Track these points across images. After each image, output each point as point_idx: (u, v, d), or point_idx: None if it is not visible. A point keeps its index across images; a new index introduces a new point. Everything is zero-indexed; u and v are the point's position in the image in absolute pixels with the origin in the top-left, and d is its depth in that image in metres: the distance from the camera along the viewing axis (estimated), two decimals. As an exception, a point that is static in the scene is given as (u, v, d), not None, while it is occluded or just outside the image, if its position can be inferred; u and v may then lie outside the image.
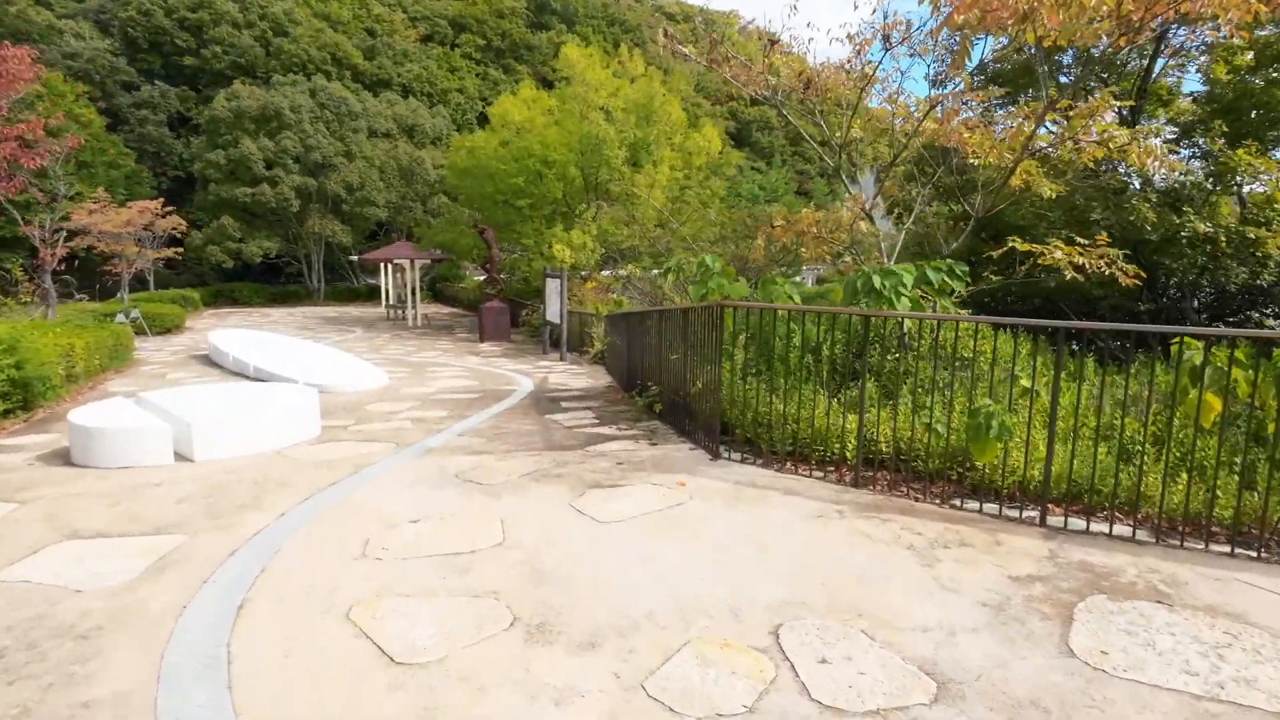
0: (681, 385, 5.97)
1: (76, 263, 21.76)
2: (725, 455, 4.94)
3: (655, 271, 23.79)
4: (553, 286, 15.48)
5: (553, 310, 15.47)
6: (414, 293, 23.51)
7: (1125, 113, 11.27)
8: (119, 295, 22.10)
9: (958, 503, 3.92)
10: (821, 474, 4.47)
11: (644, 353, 7.67)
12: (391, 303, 26.68)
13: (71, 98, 31.06)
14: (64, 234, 14.35)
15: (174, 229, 22.23)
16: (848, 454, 4.49)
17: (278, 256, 32.99)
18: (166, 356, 14.38)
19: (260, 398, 6.23)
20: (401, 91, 44.70)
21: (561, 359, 14.49)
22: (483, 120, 38.66)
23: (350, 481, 4.56)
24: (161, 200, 21.84)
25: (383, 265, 27.98)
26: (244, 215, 30.85)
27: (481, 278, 30.62)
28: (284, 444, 5.74)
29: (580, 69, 20.58)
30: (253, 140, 30.12)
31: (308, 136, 30.89)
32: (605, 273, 23.23)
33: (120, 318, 15.91)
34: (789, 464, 4.64)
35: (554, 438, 5.88)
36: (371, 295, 34.57)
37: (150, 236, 21.98)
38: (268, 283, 36.12)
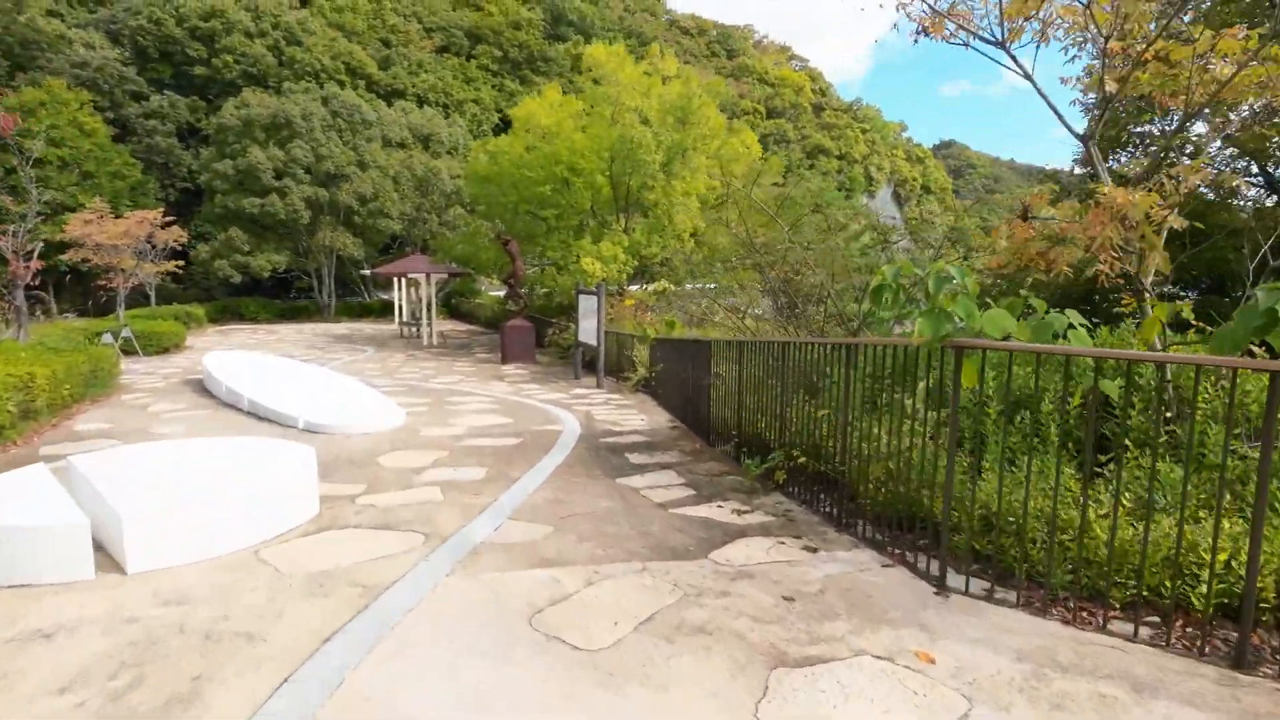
0: (831, 452, 4.21)
1: (68, 277, 20.35)
2: (948, 578, 3.14)
3: (692, 286, 22.09)
4: (587, 304, 13.76)
5: (587, 330, 13.73)
6: (429, 309, 21.88)
7: None
8: (116, 312, 20.60)
9: None
10: (1150, 631, 2.67)
11: (741, 395, 5.90)
12: (405, 319, 25.08)
13: (76, 106, 29.91)
14: (40, 244, 12.77)
15: (175, 241, 20.75)
16: (1193, 598, 2.70)
17: (287, 271, 31.52)
18: (157, 382, 12.74)
19: (238, 464, 4.49)
20: (417, 102, 43.47)
21: (599, 386, 12.74)
22: (500, 131, 37.31)
23: (358, 632, 2.79)
24: (162, 210, 20.38)
25: (396, 280, 26.45)
26: (252, 227, 29.43)
27: (501, 293, 29.05)
28: (265, 535, 3.99)
29: (610, 69, 19.02)
30: (262, 149, 28.75)
31: (319, 145, 29.50)
32: (634, 287, 21.55)
33: (107, 338, 14.32)
34: (1079, 609, 2.83)
35: (650, 527, 4.10)
36: (384, 311, 33.03)
37: (150, 249, 20.51)
38: (277, 298, 34.69)
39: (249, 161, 28.16)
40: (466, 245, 21.37)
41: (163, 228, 19.72)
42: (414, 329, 23.73)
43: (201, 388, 11.82)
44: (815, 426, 4.63)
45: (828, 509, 4.28)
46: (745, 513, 4.34)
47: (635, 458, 6.29)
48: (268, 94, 32.61)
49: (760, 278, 14.49)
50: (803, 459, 4.60)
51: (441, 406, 10.01)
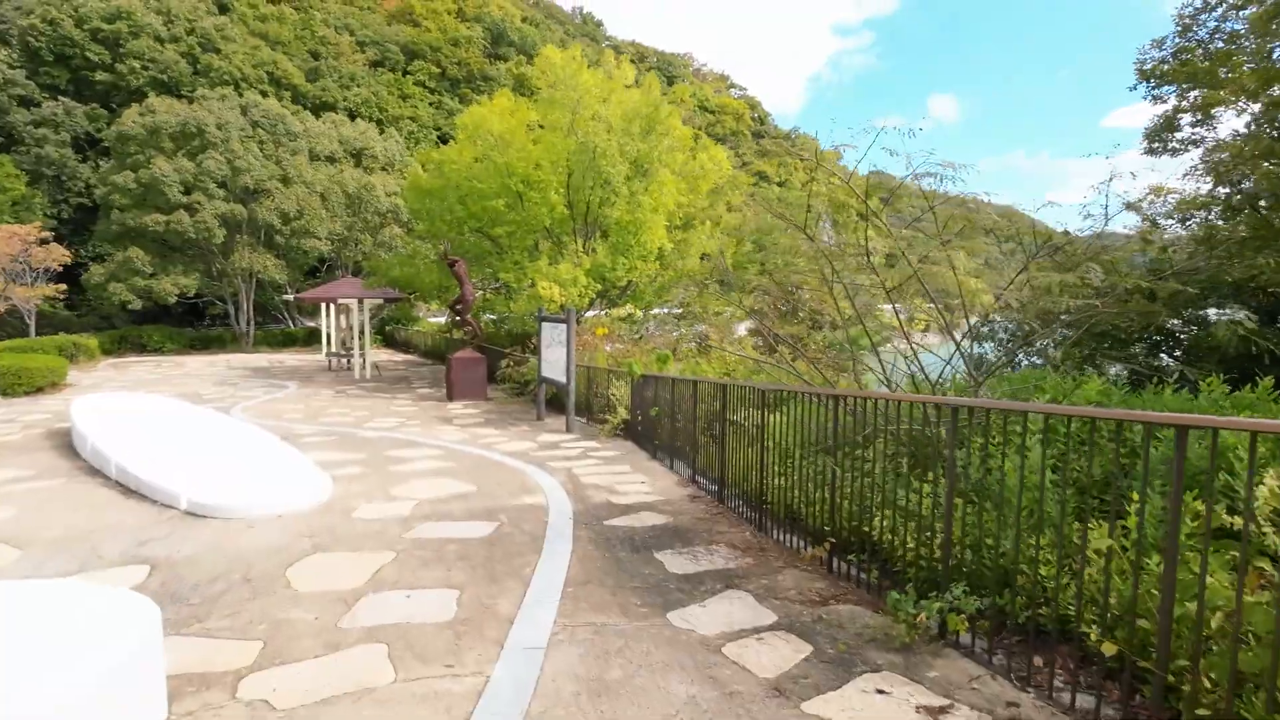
0: (1048, 593, 2.44)
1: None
2: None
3: (659, 310, 20.41)
4: (553, 333, 11.81)
5: (553, 364, 11.76)
6: (362, 338, 19.43)
7: None
8: (-21, 344, 17.38)
9: None
10: None
11: (836, 475, 4.07)
12: (334, 350, 22.43)
13: (-56, 109, 26.23)
14: None
15: (56, 261, 17.73)
16: None
17: (198, 295, 28.26)
18: (10, 434, 10.12)
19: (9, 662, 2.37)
20: (348, 115, 40.77)
21: (568, 430, 10.76)
22: (440, 145, 35.03)
23: None
24: (38, 225, 17.40)
25: (324, 306, 23.81)
26: (157, 247, 26.19)
27: (443, 319, 26.65)
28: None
29: (569, 72, 17.28)
30: (169, 160, 25.67)
31: (236, 157, 26.61)
32: (591, 313, 19.72)
33: (-54, 379, 11.49)
34: None
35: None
36: (310, 340, 30.05)
37: (25, 269, 17.44)
38: (188, 325, 31.24)
39: (153, 174, 25.03)
40: (405, 267, 19.05)
41: (40, 244, 16.75)
42: (344, 360, 21.16)
43: (67, 443, 9.31)
44: (1010, 544, 2.84)
45: (1074, 700, 2.48)
46: (941, 713, 2.49)
47: (672, 561, 4.37)
48: (179, 101, 29.51)
49: (748, 301, 12.87)
50: (991, 596, 2.81)
51: (380, 465, 7.86)
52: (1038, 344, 10.19)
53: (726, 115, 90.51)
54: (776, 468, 4.92)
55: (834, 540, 3.91)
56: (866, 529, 3.70)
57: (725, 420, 5.78)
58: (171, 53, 36.90)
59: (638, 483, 7.03)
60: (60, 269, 18.16)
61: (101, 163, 29.96)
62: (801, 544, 4.45)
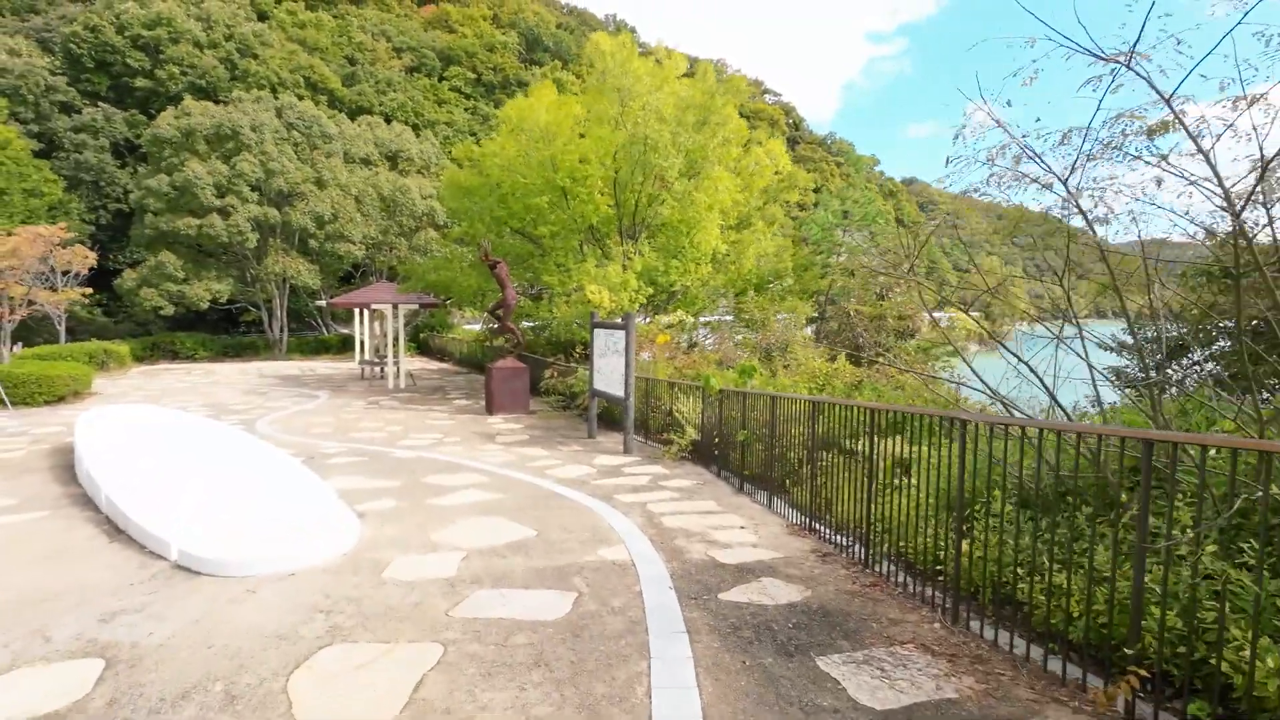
0: None
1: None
2: None
3: (708, 317, 19.01)
4: (609, 341, 10.47)
5: (608, 375, 10.40)
6: (396, 345, 18.35)
7: None
8: (6, 348, 16.65)
9: None
10: None
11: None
12: (367, 358, 21.43)
13: (-17, 113, 26.02)
14: None
15: (83, 264, 16.96)
16: None
17: (230, 301, 27.59)
18: (13, 451, 9.11)
19: None
20: (384, 120, 40.20)
21: (626, 450, 9.37)
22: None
23: None
24: (63, 226, 16.62)
25: (358, 312, 22.87)
26: (190, 252, 25.56)
27: (477, 327, 25.54)
28: None
29: (619, 60, 16.03)
30: (203, 163, 25.04)
31: (270, 159, 25.89)
32: (636, 320, 18.39)
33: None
34: None
35: None
36: (344, 347, 29.21)
37: (50, 271, 16.69)
38: (223, 332, 30.67)
39: (186, 176, 24.39)
40: (442, 271, 17.92)
41: (64, 246, 15.96)
42: (377, 369, 20.11)
43: (69, 463, 8.26)
44: None
45: None
46: None
47: (852, 678, 2.94)
48: (214, 104, 29.02)
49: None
50: None
51: (418, 497, 6.55)
52: (1191, 357, 8.55)
53: (762, 120, 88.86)
54: (969, 527, 3.45)
55: (1142, 673, 2.44)
56: (1222, 665, 2.22)
57: (872, 456, 4.33)
58: (210, 58, 36.69)
59: (736, 528, 5.61)
60: (89, 273, 17.40)
61: (140, 168, 29.60)
62: (1037, 652, 2.98)
